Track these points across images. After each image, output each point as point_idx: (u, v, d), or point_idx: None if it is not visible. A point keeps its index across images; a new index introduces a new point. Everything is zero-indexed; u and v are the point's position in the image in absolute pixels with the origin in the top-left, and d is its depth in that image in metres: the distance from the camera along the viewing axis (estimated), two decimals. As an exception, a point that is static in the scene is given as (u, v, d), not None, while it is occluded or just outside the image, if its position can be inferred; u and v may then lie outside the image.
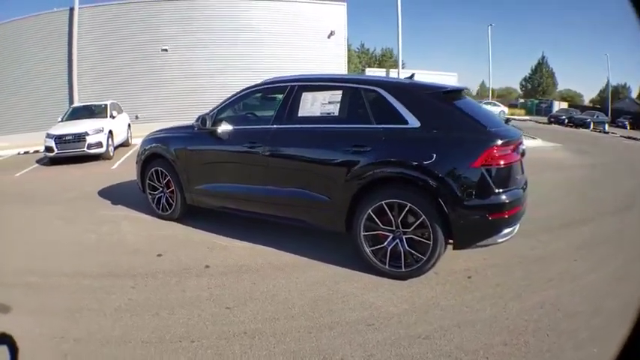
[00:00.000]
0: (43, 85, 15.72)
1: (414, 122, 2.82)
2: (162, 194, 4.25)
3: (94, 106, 10.67)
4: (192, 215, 4.20)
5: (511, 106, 34.70)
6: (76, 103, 13.06)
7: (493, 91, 38.67)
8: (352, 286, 2.82)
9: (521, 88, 46.02)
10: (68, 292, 2.68)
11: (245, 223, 3.89)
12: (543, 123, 24.47)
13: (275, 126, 3.41)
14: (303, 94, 3.33)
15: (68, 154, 8.68)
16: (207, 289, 2.80)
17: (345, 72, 18.06)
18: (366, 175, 2.87)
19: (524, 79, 44.94)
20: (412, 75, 3.51)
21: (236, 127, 3.63)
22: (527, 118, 28.35)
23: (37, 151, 10.49)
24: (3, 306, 2.45)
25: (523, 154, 3.11)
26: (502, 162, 2.62)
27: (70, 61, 15.64)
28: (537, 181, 6.78)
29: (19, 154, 11.48)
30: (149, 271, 3.03)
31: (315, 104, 3.25)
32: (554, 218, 4.37)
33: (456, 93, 3.07)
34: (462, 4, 70.36)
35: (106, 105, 10.38)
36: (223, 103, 3.85)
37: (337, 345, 2.14)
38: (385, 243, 2.88)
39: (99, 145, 8.77)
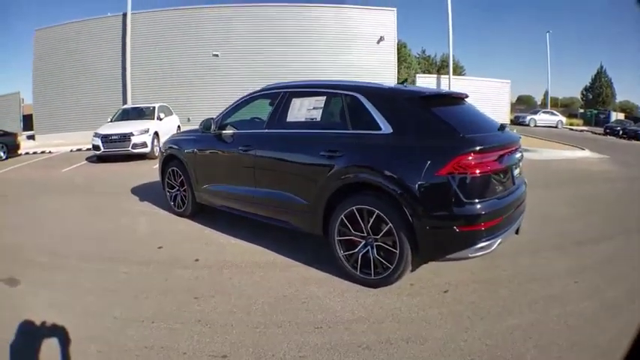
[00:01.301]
0: (99, 85, 16.91)
1: (387, 128, 2.78)
2: (178, 192, 4.65)
3: (143, 107, 11.47)
4: (205, 214, 4.50)
5: (571, 115, 32.82)
6: (126, 105, 13.93)
7: (557, 100, 36.96)
8: (320, 290, 2.85)
9: (582, 98, 42.48)
10: (69, 272, 3.11)
11: (250, 224, 4.01)
12: (599, 134, 22.10)
13: (265, 130, 3.58)
14: (293, 100, 3.45)
15: (114, 152, 9.42)
16: (187, 279, 3.03)
17: (395, 78, 17.83)
18: (338, 180, 2.90)
19: (585, 89, 41.60)
20: (404, 80, 3.46)
21: (234, 131, 3.88)
22: (584, 128, 26.75)
23: (89, 149, 11.11)
24: (13, 279, 2.93)
25: (516, 161, 2.89)
26: (476, 170, 2.46)
27: (123, 64, 16.71)
28: (569, 194, 6.30)
29: (71, 150, 12.68)
30: (145, 260, 3.37)
31: (301, 110, 3.36)
32: (575, 234, 3.96)
33: (437, 98, 2.96)
34: (520, 11, 65.32)
35: (154, 107, 11.16)
36: (228, 108, 4.14)
37: (275, 342, 2.21)
38: (357, 249, 2.87)
39: (143, 145, 9.50)
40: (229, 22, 17.16)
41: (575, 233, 4.03)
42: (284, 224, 3.47)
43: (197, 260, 3.41)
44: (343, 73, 16.89)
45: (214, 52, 16.96)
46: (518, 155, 2.97)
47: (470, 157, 2.43)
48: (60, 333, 2.19)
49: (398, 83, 3.50)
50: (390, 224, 2.65)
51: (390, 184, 2.62)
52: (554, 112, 27.86)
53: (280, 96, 3.58)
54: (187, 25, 17.14)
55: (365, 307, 2.61)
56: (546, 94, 35.05)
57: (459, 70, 34.77)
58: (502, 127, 3.05)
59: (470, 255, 2.53)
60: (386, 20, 17.76)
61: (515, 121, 25.05)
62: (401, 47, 37.82)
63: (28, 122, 18.91)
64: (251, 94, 3.99)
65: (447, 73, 20.20)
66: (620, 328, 2.19)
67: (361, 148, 2.84)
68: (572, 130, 24.94)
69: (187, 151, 4.36)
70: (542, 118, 25.69)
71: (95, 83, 17.05)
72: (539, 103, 35.03)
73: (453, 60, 39.04)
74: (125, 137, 9.47)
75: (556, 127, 24.87)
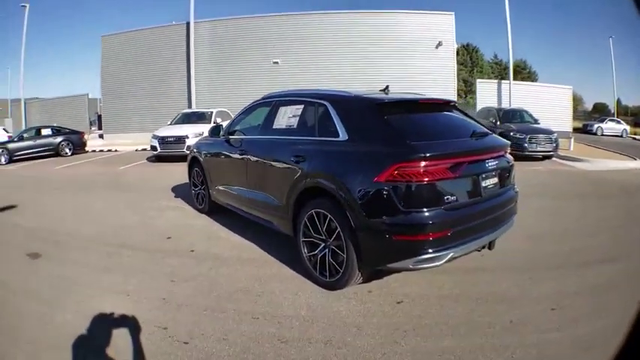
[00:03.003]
0: (165, 90, 18.27)
1: (343, 135, 2.85)
2: (200, 191, 5.22)
3: (201, 112, 12.29)
4: (223, 212, 4.78)
5: (637, 124, 30.53)
6: (186, 109, 14.76)
7: (627, 108, 35.37)
8: (279, 286, 3.01)
9: (654, 106, 36.21)
10: (83, 252, 3.77)
11: (257, 223, 4.09)
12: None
13: (257, 136, 3.89)
14: (280, 108, 3.70)
15: (169, 153, 10.22)
16: (173, 266, 3.45)
17: (455, 83, 17.05)
18: (300, 183, 3.04)
19: (657, 97, 35.10)
20: (386, 87, 3.43)
21: (236, 137, 4.26)
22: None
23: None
24: (36, 254, 3.66)
25: (488, 170, 2.70)
26: (416, 178, 2.38)
27: (188, 70, 17.91)
28: (594, 206, 5.64)
29: (136, 150, 14.11)
30: (150, 248, 3.90)
31: (284, 117, 3.59)
32: (581, 252, 3.52)
33: (400, 105, 2.91)
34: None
35: (211, 112, 11.97)
36: (236, 115, 4.56)
37: (212, 324, 2.46)
38: (317, 250, 2.97)
39: None
40: (289, 30, 17.83)
41: (586, 252, 3.55)
42: (269, 224, 3.71)
43: (192, 251, 3.83)
44: (401, 79, 16.53)
45: (274, 60, 17.67)
46: (493, 163, 2.76)
47: (409, 165, 2.38)
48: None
49: (380, 90, 3.49)
50: (339, 229, 2.70)
51: (337, 190, 2.68)
52: (620, 120, 26.80)
53: (272, 104, 3.85)
54: (248, 33, 18.00)
55: (309, 306, 2.70)
56: (618, 102, 32.45)
57: (532, 77, 31.99)
58: (478, 133, 2.86)
59: (411, 266, 2.46)
60: (444, 25, 17.17)
61: (584, 129, 24.31)
62: (473, 52, 36.53)
63: (100, 122, 21.37)
64: (253, 102, 4.34)
65: (521, 78, 18.57)
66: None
67: (321, 154, 2.95)
68: (635, 139, 23.44)
69: (204, 154, 4.89)
70: (609, 127, 25.38)
71: (161, 88, 18.41)
72: (612, 111, 32.02)
73: (525, 65, 36.43)
74: (180, 139, 10.34)
75: (621, 135, 24.50)
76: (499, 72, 34.01)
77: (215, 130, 4.51)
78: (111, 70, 19.62)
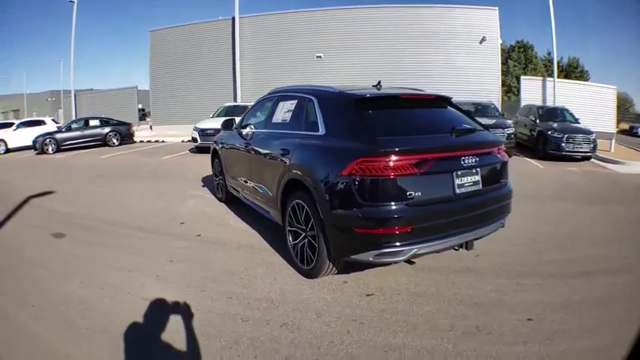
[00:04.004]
0: (211, 83, 18.83)
1: (322, 130, 2.93)
2: (220, 181, 5.59)
3: (243, 105, 12.58)
4: (238, 200, 4.96)
5: None
6: (228, 103, 14.86)
7: None
8: (263, 271, 3.20)
9: None
10: (101, 233, 4.24)
11: None
12: None
13: (260, 130, 4.09)
14: (279, 103, 3.86)
15: (208, 145, 10.96)
16: (177, 248, 3.79)
17: (499, 80, 16.25)
18: (285, 176, 3.18)
19: None
20: (379, 82, 3.41)
21: (244, 130, 4.50)
22: None
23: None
24: (60, 234, 4.21)
25: (463, 167, 2.61)
26: (378, 172, 2.38)
27: (233, 64, 18.41)
28: (615, 212, 5.15)
29: (182, 141, 14.67)
30: (162, 231, 4.29)
31: (281, 112, 3.74)
32: (584, 261, 3.27)
33: (380, 100, 2.90)
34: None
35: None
36: (248, 109, 4.81)
37: (189, 299, 2.69)
38: (298, 239, 3.10)
39: None
40: (331, 25, 17.92)
41: (587, 262, 3.25)
42: (267, 215, 3.90)
43: (199, 235, 4.16)
44: (443, 74, 16.30)
45: (317, 54, 17.85)
46: (472, 161, 2.65)
47: (371, 159, 2.39)
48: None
49: (373, 86, 3.47)
50: (312, 219, 2.80)
51: (311, 182, 2.77)
52: None
53: (275, 99, 4.02)
54: (291, 28, 18.30)
55: (282, 291, 2.85)
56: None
57: (584, 76, 29.48)
58: (459, 130, 2.75)
59: (371, 259, 2.48)
60: (488, 20, 16.47)
61: (630, 132, 23.41)
62: (527, 49, 34.77)
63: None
64: (261, 97, 4.54)
65: (574, 77, 17.24)
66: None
67: (302, 148, 3.05)
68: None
69: (222, 146, 5.22)
70: None
71: (207, 81, 19.03)
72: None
73: (576, 63, 33.92)
74: (219, 132, 11.07)
75: None
76: (552, 69, 31.63)
77: (227, 124, 4.79)
78: (159, 63, 20.61)
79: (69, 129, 14.61)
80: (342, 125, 2.79)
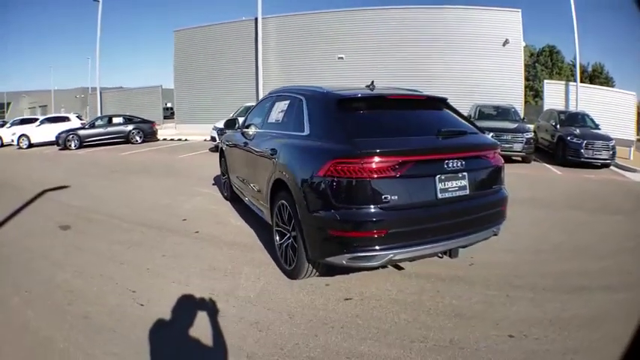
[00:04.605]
0: (234, 82, 18.89)
1: (307, 130, 2.91)
2: (225, 179, 5.69)
3: None
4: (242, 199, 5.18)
5: None
6: (248, 103, 15.23)
7: None
8: (249, 270, 3.22)
9: None
10: (107, 228, 4.41)
11: None
12: None
13: (258, 130, 4.13)
14: (275, 103, 3.88)
15: None
16: (172, 243, 3.89)
17: (522, 83, 15.90)
18: (273, 176, 3.18)
19: None
20: (371, 82, 3.34)
21: (245, 130, 4.55)
22: None
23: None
24: (67, 226, 4.42)
25: (446, 171, 2.50)
26: (351, 175, 2.34)
27: (256, 64, 18.43)
28: (626, 223, 4.85)
29: (204, 140, 14.72)
30: (163, 227, 4.41)
31: (275, 112, 3.76)
32: (583, 275, 3.07)
33: (365, 101, 2.84)
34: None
35: None
36: (250, 110, 4.87)
37: (171, 293, 2.77)
38: (283, 239, 3.09)
39: None
40: (353, 26, 17.86)
41: (586, 276, 3.05)
42: (261, 214, 3.93)
43: (197, 232, 4.25)
44: (465, 76, 16.01)
45: (339, 55, 17.80)
46: (458, 164, 2.54)
47: (346, 161, 2.35)
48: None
49: (366, 86, 3.41)
50: (293, 220, 2.78)
51: (291, 182, 2.76)
52: None
53: (272, 100, 4.05)
54: (313, 29, 18.34)
55: (262, 290, 2.86)
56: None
57: (609, 82, 29.26)
58: (446, 132, 2.64)
59: (345, 263, 2.43)
60: (510, 22, 16.11)
61: None
62: (553, 53, 34.15)
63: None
64: (262, 97, 4.59)
65: (599, 83, 16.79)
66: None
67: (287, 148, 3.05)
68: None
69: (226, 145, 5.32)
70: None
71: (230, 80, 19.16)
72: None
73: (600, 69, 32.42)
74: None
75: None
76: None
77: (230, 123, 4.87)
78: (183, 63, 21.00)
79: (92, 126, 15.07)
80: (324, 126, 2.77)
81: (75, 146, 13.99)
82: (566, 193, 6.75)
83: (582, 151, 9.10)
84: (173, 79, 21.87)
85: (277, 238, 3.22)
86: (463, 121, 3.05)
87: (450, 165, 2.51)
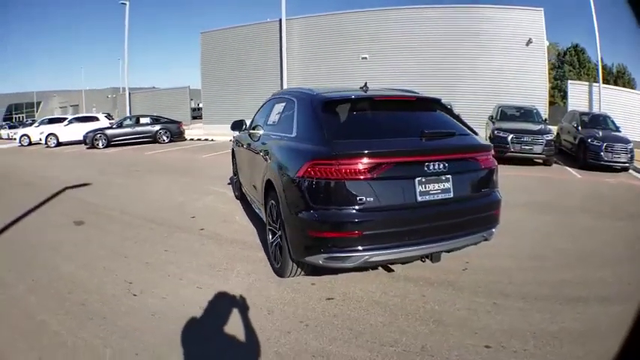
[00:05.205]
0: (259, 83, 19.01)
1: (294, 132, 2.96)
2: (236, 179, 5.86)
3: None
4: None
5: None
6: None
7: None
8: (242, 266, 3.33)
9: None
10: (119, 223, 4.67)
11: None
12: None
13: (260, 131, 4.22)
14: (275, 105, 3.96)
15: None
16: (177, 240, 4.07)
17: (546, 83, 15.65)
18: (265, 177, 3.26)
19: None
20: (365, 84, 3.33)
21: (249, 131, 4.67)
22: None
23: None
24: (81, 222, 4.73)
25: (427, 173, 2.46)
26: (325, 175, 2.37)
27: (281, 65, 18.72)
28: (633, 232, 4.45)
29: (230, 140, 15.28)
30: (171, 224, 4.62)
31: (273, 114, 3.85)
32: (581, 285, 2.89)
33: (351, 102, 2.83)
34: None
35: None
36: (257, 111, 4.99)
37: (164, 285, 2.94)
38: (274, 238, 3.17)
39: None
40: (376, 26, 17.81)
41: (585, 286, 2.87)
42: (260, 213, 4.03)
43: (202, 229, 4.42)
44: (488, 76, 15.81)
45: (363, 55, 17.79)
46: (440, 167, 2.48)
47: (322, 162, 2.38)
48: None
49: (360, 87, 3.40)
50: (279, 220, 2.84)
51: (277, 183, 2.82)
52: None
53: (272, 102, 4.14)
54: (337, 29, 18.41)
55: (249, 286, 2.95)
56: None
57: (631, 83, 28.80)
58: (430, 134, 2.59)
59: (322, 263, 2.45)
60: (533, 21, 15.77)
61: None
62: (579, 53, 33.22)
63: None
64: (265, 100, 4.70)
65: (622, 84, 16.15)
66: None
67: (277, 149, 3.12)
68: None
69: (236, 146, 5.48)
70: None
71: (255, 81, 19.44)
72: None
73: (624, 70, 31.08)
74: None
75: None
76: (603, 76, 28.90)
77: (237, 125, 5.01)
78: (209, 63, 21.52)
79: (120, 126, 15.58)
80: (308, 127, 2.81)
81: (102, 145, 14.54)
82: (580, 197, 6.49)
83: (602, 153, 8.73)
84: (200, 80, 22.50)
85: (270, 236, 3.29)
86: (456, 122, 2.98)
87: (431, 167, 2.46)
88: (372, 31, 17.83)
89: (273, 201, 3.04)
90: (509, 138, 8.92)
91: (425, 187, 2.46)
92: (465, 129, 2.91)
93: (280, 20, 18.91)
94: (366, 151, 2.38)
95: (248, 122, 5.09)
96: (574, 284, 2.85)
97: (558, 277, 2.98)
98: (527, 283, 2.90)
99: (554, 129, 10.90)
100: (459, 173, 2.57)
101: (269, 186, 3.19)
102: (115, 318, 2.48)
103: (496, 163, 2.86)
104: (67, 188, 6.72)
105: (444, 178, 2.51)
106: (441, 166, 2.48)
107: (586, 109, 13.87)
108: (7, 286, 2.96)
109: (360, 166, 2.35)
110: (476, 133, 2.96)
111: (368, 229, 2.35)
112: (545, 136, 8.99)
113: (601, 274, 3.04)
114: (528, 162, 9.26)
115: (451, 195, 2.53)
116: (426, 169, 2.45)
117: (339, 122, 2.69)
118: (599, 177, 8.23)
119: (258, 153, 3.81)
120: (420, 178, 2.45)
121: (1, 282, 3.02)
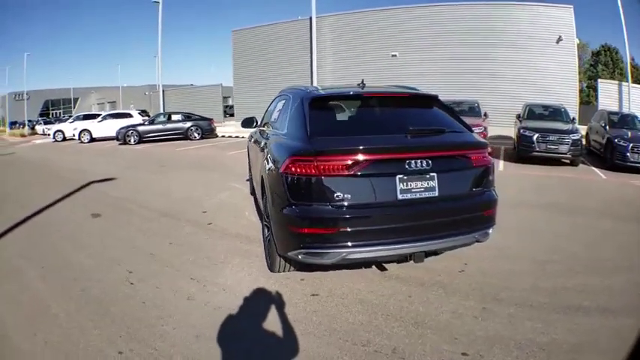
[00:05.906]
0: (292, 80, 18.76)
1: (285, 129, 2.98)
2: (250, 175, 6.00)
3: None
4: None
5: None
6: None
7: None
8: (239, 261, 3.42)
9: None
10: (135, 216, 4.93)
11: None
12: None
13: (264, 128, 4.30)
14: (277, 103, 4.01)
15: None
16: (183, 233, 4.25)
17: (576, 82, 15.25)
18: (261, 173, 3.31)
19: None
20: (362, 81, 3.27)
21: (260, 128, 4.74)
22: None
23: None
24: (98, 214, 5.02)
25: (409, 171, 2.38)
26: (303, 172, 2.37)
27: (311, 63, 18.61)
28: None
29: None
30: (182, 218, 4.82)
31: (274, 111, 3.90)
32: (582, 293, 2.67)
33: (341, 99, 2.80)
34: None
35: None
36: (266, 109, 5.07)
37: (160, 276, 3.09)
38: (268, 233, 3.22)
39: None
40: (406, 23, 17.62)
41: (585, 294, 2.62)
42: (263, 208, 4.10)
43: (210, 224, 4.58)
44: (516, 75, 15.47)
45: (392, 53, 17.62)
46: (424, 164, 2.39)
47: (301, 158, 2.38)
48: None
49: (358, 85, 3.35)
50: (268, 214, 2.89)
51: (265, 179, 2.86)
52: None
53: (277, 100, 4.19)
54: (367, 27, 18.31)
55: (241, 280, 3.04)
56: None
57: None
58: (416, 130, 2.49)
59: (300, 258, 2.46)
60: (562, 19, 15.27)
61: None
62: (613, 53, 32.05)
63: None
64: (274, 98, 4.75)
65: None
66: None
67: (270, 145, 3.15)
68: None
69: (249, 142, 5.60)
70: None
71: (285, 79, 18.77)
72: None
73: None
74: None
75: None
76: (637, 76, 27.99)
77: (247, 122, 5.11)
78: (241, 61, 21.93)
79: (152, 122, 15.90)
80: (295, 124, 2.82)
81: (134, 141, 14.90)
82: (601, 199, 6.03)
83: (628, 154, 8.16)
84: (232, 78, 22.96)
85: (265, 232, 3.35)
86: (453, 120, 2.84)
87: (414, 165, 2.37)
88: (402, 28, 17.62)
89: (266, 196, 3.09)
90: (535, 137, 8.59)
91: (406, 185, 2.38)
92: (461, 126, 2.77)
93: (310, 18, 18.95)
94: (345, 148, 2.35)
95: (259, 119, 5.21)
96: (576, 292, 2.63)
97: (560, 283, 2.76)
98: (526, 288, 2.71)
99: (584, 129, 10.36)
100: (446, 171, 2.46)
101: (263, 182, 3.24)
102: (109, 304, 2.65)
103: (491, 161, 2.70)
104: (91, 182, 7.16)
105: (427, 176, 2.41)
106: (424, 163, 2.39)
107: (616, 109, 13.14)
108: (20, 271, 3.25)
109: (338, 163, 2.32)
110: (472, 131, 2.81)
111: (346, 226, 2.32)
112: (571, 135, 8.55)
113: (609, 282, 2.77)
114: (554, 162, 8.86)
115: (436, 194, 2.43)
116: (407, 166, 2.37)
117: (325, 119, 2.68)
118: (625, 178, 7.68)
119: (259, 149, 3.88)
120: (400, 176, 2.37)
121: (15, 269, 3.31)
